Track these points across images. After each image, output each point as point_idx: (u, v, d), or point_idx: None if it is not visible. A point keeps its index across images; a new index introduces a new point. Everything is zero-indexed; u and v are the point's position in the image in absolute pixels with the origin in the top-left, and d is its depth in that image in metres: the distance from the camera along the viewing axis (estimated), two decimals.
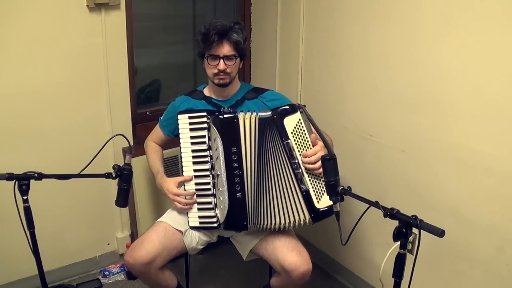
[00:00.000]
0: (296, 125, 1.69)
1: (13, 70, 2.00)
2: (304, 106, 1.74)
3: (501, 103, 1.58)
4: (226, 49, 1.77)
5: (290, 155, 1.68)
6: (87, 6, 2.07)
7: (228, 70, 1.79)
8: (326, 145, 1.68)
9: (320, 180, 1.70)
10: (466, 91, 1.68)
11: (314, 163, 1.65)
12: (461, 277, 1.82)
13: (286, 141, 1.68)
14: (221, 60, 1.77)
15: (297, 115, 1.69)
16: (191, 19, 2.76)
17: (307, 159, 1.66)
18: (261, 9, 2.67)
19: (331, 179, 1.48)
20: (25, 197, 1.50)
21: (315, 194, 1.70)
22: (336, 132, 2.29)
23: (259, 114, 1.71)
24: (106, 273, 2.43)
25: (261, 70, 2.75)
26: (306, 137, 1.69)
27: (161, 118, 2.01)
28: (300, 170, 1.69)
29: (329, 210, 1.69)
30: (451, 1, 1.68)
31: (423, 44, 1.80)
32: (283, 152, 1.70)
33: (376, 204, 1.37)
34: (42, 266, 1.61)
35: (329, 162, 1.49)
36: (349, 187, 1.49)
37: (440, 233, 1.23)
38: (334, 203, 1.50)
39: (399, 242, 1.30)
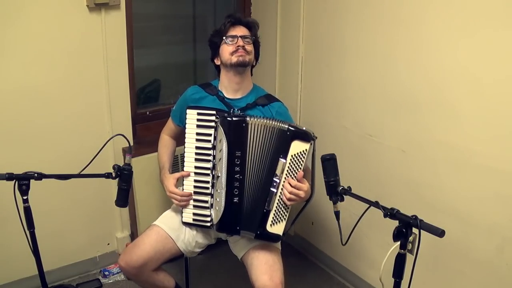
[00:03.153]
0: (300, 152, 1.65)
1: (13, 70, 2.00)
2: (316, 138, 1.69)
3: (501, 103, 1.58)
4: (242, 30, 1.84)
5: (275, 172, 1.66)
6: (87, 6, 2.07)
7: (247, 48, 1.80)
8: (312, 188, 1.71)
9: (286, 210, 1.69)
10: (466, 91, 1.68)
11: (291, 194, 1.64)
12: (461, 277, 1.82)
13: (282, 160, 1.65)
14: (240, 38, 1.81)
15: (306, 145, 1.64)
16: (191, 19, 2.76)
17: (290, 189, 1.63)
18: (261, 9, 2.67)
19: (331, 179, 1.49)
20: (25, 197, 1.49)
21: (273, 218, 1.68)
22: (336, 132, 2.30)
23: (277, 124, 1.67)
24: (106, 273, 2.43)
25: (261, 70, 2.74)
26: (300, 169, 1.66)
27: (173, 108, 2.00)
28: (275, 191, 1.67)
29: (275, 237, 1.70)
30: (452, 1, 1.68)
31: (424, 44, 1.80)
32: (272, 166, 1.67)
33: (376, 204, 1.37)
34: (42, 266, 1.61)
35: (329, 162, 1.50)
36: (349, 187, 1.50)
37: (440, 233, 1.23)
38: (334, 203, 1.50)
39: (399, 242, 1.30)
